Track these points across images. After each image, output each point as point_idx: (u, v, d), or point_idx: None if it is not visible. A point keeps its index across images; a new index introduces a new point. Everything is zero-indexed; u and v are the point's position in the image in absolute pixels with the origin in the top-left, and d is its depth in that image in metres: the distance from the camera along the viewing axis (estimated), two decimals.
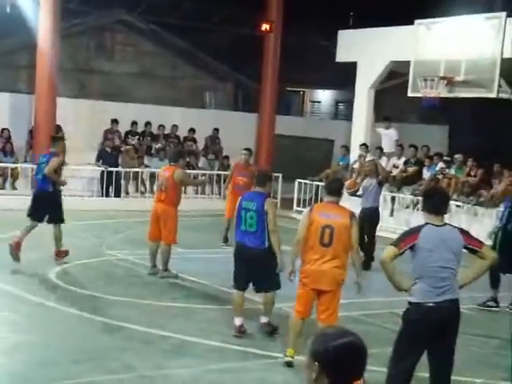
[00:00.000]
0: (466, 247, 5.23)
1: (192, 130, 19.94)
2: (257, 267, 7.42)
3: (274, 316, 8.03)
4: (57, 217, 10.40)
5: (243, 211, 7.47)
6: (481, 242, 5.37)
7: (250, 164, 13.52)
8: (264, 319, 7.89)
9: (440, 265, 5.13)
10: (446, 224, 5.30)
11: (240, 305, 7.67)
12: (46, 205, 10.35)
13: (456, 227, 5.35)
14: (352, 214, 6.52)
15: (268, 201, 7.50)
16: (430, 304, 5.10)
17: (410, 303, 5.21)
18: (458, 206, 15.27)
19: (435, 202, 5.32)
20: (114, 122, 18.84)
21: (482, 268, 5.36)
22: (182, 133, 19.94)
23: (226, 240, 13.18)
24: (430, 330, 5.10)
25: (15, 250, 10.17)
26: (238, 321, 7.68)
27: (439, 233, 5.19)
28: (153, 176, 17.78)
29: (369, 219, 11.98)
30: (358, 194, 12.31)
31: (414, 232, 5.21)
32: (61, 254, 10.65)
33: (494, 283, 9.59)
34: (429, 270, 5.12)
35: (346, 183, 13.04)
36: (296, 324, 6.70)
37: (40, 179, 10.47)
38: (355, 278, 6.68)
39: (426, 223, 5.24)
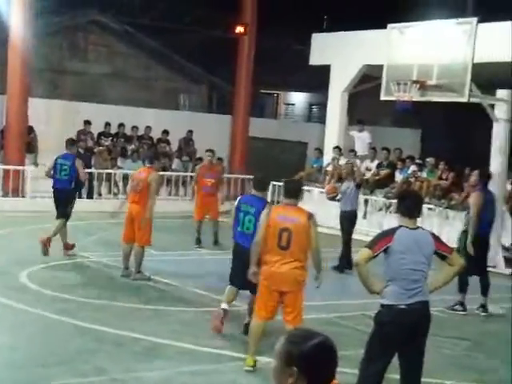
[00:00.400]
0: (435, 252, 5.27)
1: (166, 132, 19.86)
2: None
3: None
4: (67, 211, 11.18)
5: (241, 213, 7.58)
6: (450, 248, 5.42)
7: (215, 164, 13.59)
8: (248, 319, 7.91)
9: (412, 267, 5.17)
10: (418, 227, 5.34)
11: (230, 297, 7.82)
12: (64, 200, 11.28)
13: (428, 231, 5.39)
14: (310, 215, 6.50)
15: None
16: (402, 306, 5.12)
17: (382, 305, 5.23)
18: (429, 208, 15.38)
19: (409, 204, 5.36)
20: (87, 123, 18.71)
21: (449, 274, 5.42)
22: (156, 134, 19.85)
23: (198, 242, 13.16)
24: (402, 333, 5.12)
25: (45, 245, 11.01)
26: (224, 304, 7.79)
27: (412, 236, 5.23)
28: (126, 178, 17.68)
29: (347, 222, 12.05)
30: (338, 198, 12.32)
31: (388, 234, 5.24)
32: (68, 247, 11.43)
33: (462, 287, 9.64)
34: (401, 273, 5.15)
35: (326, 188, 13.11)
36: (257, 328, 6.63)
37: (65, 180, 11.33)
38: (319, 276, 6.63)
39: (400, 226, 5.27)
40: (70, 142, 11.97)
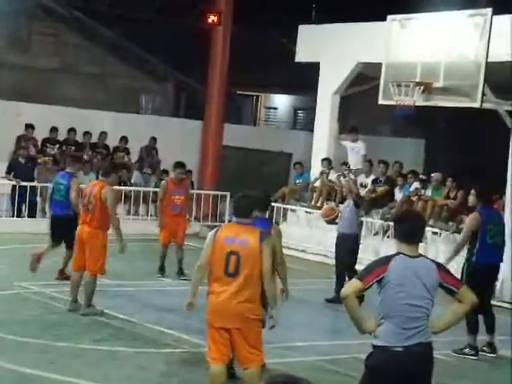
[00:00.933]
0: (441, 285, 5.27)
1: (124, 139, 19.82)
2: None
3: None
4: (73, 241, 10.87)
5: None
6: (459, 282, 5.43)
7: (184, 178, 13.55)
8: None
9: (410, 302, 5.16)
10: (420, 255, 5.34)
11: None
12: (65, 229, 11.51)
13: (433, 261, 5.38)
14: (262, 235, 6.42)
15: (271, 234, 7.22)
16: (398, 348, 5.11)
17: (374, 347, 5.21)
18: (434, 233, 15.42)
19: (408, 228, 5.36)
20: (30, 127, 18.60)
21: (458, 313, 5.40)
22: (112, 142, 19.80)
23: (162, 270, 13.08)
24: (397, 379, 5.11)
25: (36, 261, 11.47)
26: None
27: (412, 265, 5.23)
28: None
29: (346, 248, 12.08)
30: (337, 221, 12.37)
31: (382, 263, 5.25)
32: (63, 275, 11.79)
33: (471, 327, 9.65)
34: (397, 309, 5.16)
35: (322, 211, 13.14)
36: (216, 376, 6.49)
37: (62, 202, 11.83)
38: (274, 314, 6.51)
39: (398, 253, 5.29)
40: (76, 159, 12.91)
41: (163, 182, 13.75)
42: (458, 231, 15.02)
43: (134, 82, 22.80)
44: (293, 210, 18.17)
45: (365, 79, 17.86)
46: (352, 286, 5.18)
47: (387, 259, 5.25)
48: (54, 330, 9.31)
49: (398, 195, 16.67)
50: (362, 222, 16.51)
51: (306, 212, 17.25)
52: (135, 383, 7.62)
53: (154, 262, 13.24)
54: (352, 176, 16.16)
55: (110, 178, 10.46)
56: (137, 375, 7.88)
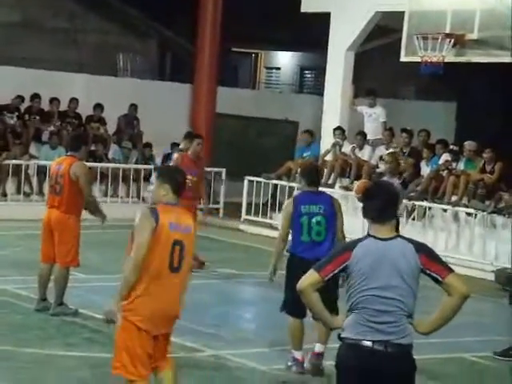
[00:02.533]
0: (424, 272, 5.18)
1: (99, 107, 19.77)
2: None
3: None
4: None
5: (304, 217, 8.35)
6: (446, 269, 5.21)
7: (201, 157, 13.43)
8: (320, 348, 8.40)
9: (379, 294, 5.12)
10: (397, 236, 5.26)
11: (300, 335, 8.43)
12: None
13: (412, 242, 5.26)
14: (195, 216, 6.59)
15: (336, 200, 8.65)
16: (365, 342, 5.13)
17: (340, 338, 5.25)
18: (468, 214, 15.39)
19: (379, 204, 5.28)
20: None
21: (444, 309, 5.24)
22: (85, 110, 19.75)
23: None
24: (364, 376, 5.12)
25: None
26: (298, 354, 8.45)
27: (382, 249, 5.18)
28: (43, 171, 17.52)
29: None
30: None
31: (345, 250, 5.24)
32: None
33: None
34: (364, 301, 5.15)
35: (355, 187, 13.14)
36: None
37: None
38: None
39: (366, 236, 5.26)
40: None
41: (176, 155, 13.43)
42: (497, 211, 15.00)
43: (109, 38, 22.74)
44: (300, 189, 18.11)
45: (384, 32, 17.79)
46: (308, 278, 5.18)
47: (352, 245, 5.24)
48: (19, 333, 9.29)
49: (425, 169, 16.62)
50: None
51: (355, 194, 17.15)
52: None
53: None
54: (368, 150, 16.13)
55: (80, 151, 10.37)
56: None
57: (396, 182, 12.47)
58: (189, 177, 12.73)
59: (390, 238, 5.21)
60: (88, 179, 10.28)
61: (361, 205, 5.45)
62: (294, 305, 7.87)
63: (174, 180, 6.43)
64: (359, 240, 5.24)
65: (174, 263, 6.16)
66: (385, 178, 12.64)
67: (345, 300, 5.26)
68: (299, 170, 9.13)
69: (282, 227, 8.65)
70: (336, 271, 5.16)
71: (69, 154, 10.40)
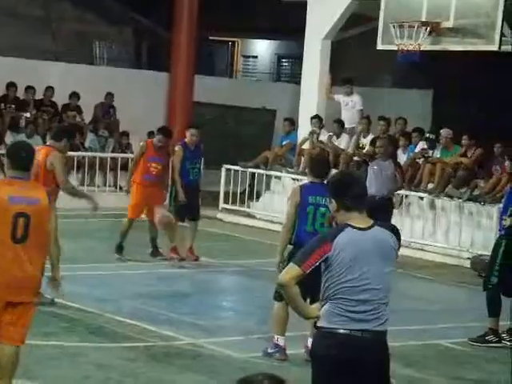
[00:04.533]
0: None
1: (75, 95, 19.68)
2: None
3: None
4: None
5: (311, 207, 8.43)
6: None
7: (168, 144, 13.51)
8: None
9: (359, 284, 5.17)
10: (374, 225, 5.30)
11: (286, 321, 8.50)
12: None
13: (388, 229, 5.36)
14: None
15: None
16: (341, 331, 5.17)
17: (316, 327, 5.30)
18: (445, 201, 15.41)
19: (359, 190, 5.34)
20: None
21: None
22: (61, 99, 19.66)
23: (120, 249, 13.03)
24: (340, 365, 5.16)
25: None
26: (282, 340, 8.51)
27: (364, 239, 5.21)
28: None
29: (381, 215, 12.23)
30: None
31: (324, 241, 5.23)
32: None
33: (494, 310, 9.72)
34: (344, 292, 5.19)
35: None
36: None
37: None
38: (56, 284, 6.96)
39: (345, 225, 5.25)
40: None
41: (143, 142, 13.69)
42: (473, 199, 15.06)
43: (85, 26, 22.61)
44: (277, 178, 18.14)
45: (361, 20, 17.79)
46: (289, 272, 5.22)
47: (331, 236, 5.24)
48: None
49: (402, 157, 16.66)
50: None
51: (293, 179, 17.21)
52: None
53: (111, 242, 13.18)
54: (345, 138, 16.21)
55: (61, 142, 10.30)
56: (95, 375, 7.88)
57: (389, 164, 13.07)
58: (155, 164, 12.94)
59: (369, 227, 5.26)
60: (63, 169, 10.23)
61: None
62: None
63: (17, 155, 6.58)
64: (338, 230, 5.24)
65: (16, 234, 6.35)
66: (378, 161, 13.36)
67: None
68: (307, 160, 9.31)
69: (288, 216, 8.68)
70: (317, 263, 5.17)
71: (48, 143, 10.36)
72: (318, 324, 5.25)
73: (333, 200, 5.37)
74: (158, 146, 13.16)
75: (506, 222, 9.69)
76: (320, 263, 5.17)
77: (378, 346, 5.23)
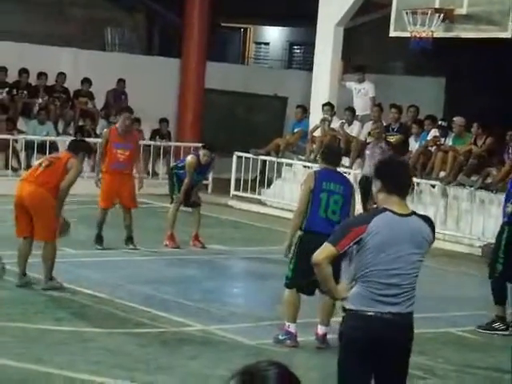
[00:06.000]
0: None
1: (87, 81, 19.70)
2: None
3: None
4: None
5: (324, 193, 8.41)
6: None
7: (133, 129, 13.37)
8: (322, 329, 8.48)
9: (390, 267, 5.26)
10: (413, 213, 5.39)
11: (297, 308, 8.53)
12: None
13: (426, 220, 5.45)
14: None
15: (352, 185, 8.98)
16: (370, 313, 5.26)
17: (344, 310, 5.38)
18: (456, 189, 15.39)
19: (403, 178, 5.48)
20: None
21: None
22: (73, 85, 19.69)
23: (100, 240, 12.77)
24: (367, 346, 5.25)
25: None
26: (293, 327, 8.51)
27: (400, 226, 5.30)
28: (30, 146, 17.51)
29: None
30: None
31: (360, 223, 5.35)
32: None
33: (500, 297, 9.76)
34: (374, 273, 5.26)
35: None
36: None
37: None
38: None
39: (383, 209, 5.33)
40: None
41: (105, 130, 13.54)
42: (484, 187, 15.04)
43: (97, 12, 22.60)
44: (288, 165, 18.15)
45: (373, 7, 17.75)
46: (324, 251, 5.28)
47: (369, 218, 5.34)
48: (6, 308, 9.30)
49: (414, 145, 16.66)
50: (367, 178, 16.55)
51: (305, 167, 17.22)
52: (105, 369, 7.64)
53: (122, 228, 13.17)
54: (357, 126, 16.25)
55: (78, 156, 10.36)
56: (107, 360, 7.91)
57: (383, 145, 13.15)
58: (120, 151, 12.77)
59: (408, 215, 5.36)
60: (73, 178, 10.12)
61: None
62: (303, 283, 8.10)
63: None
64: (375, 213, 5.35)
65: None
66: (372, 144, 13.84)
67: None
68: (322, 148, 9.46)
69: (300, 201, 8.65)
70: (351, 244, 5.25)
71: (70, 152, 10.34)
72: (347, 306, 5.33)
73: (378, 180, 5.44)
74: (124, 131, 12.73)
75: (509, 209, 9.69)
76: (354, 244, 5.24)
77: (407, 327, 5.37)
